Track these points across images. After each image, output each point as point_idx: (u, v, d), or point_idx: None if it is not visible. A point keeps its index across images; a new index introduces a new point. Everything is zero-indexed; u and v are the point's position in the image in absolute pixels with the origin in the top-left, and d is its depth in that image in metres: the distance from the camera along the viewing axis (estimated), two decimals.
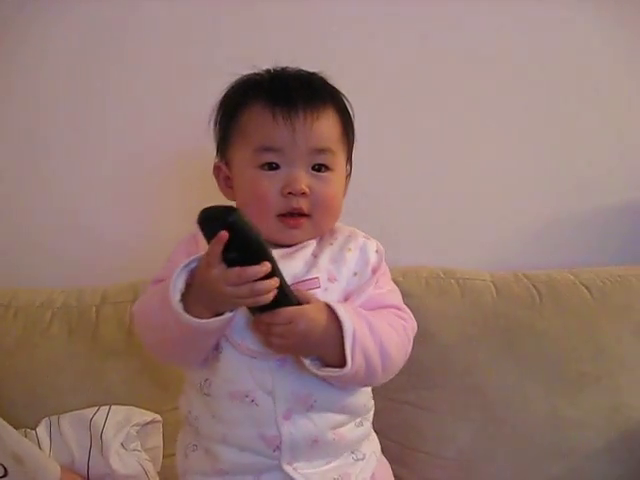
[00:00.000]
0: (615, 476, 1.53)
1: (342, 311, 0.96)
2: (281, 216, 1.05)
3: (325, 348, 0.96)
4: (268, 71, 1.12)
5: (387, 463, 1.21)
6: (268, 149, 1.03)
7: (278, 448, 0.99)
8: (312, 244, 1.08)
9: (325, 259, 1.05)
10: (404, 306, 1.10)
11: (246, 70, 1.16)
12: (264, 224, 0.99)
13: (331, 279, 1.03)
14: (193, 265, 0.94)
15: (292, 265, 1.03)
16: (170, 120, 1.76)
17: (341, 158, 1.09)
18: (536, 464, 1.53)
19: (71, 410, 1.43)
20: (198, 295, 0.92)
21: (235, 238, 0.86)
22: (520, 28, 1.86)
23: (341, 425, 1.05)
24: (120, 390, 1.49)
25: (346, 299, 1.03)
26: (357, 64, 1.78)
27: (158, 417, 1.44)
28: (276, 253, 0.95)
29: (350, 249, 1.07)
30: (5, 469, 1.08)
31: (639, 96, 1.92)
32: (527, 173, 1.90)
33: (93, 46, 1.76)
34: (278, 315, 0.92)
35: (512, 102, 1.88)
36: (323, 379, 0.99)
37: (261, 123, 1.04)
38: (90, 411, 1.39)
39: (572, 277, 1.67)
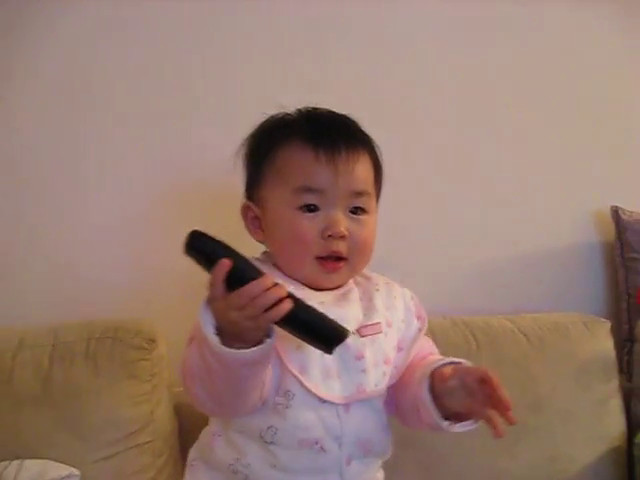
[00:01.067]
0: None
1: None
2: (320, 259, 1.04)
3: None
4: (300, 111, 1.11)
5: None
6: (309, 190, 1.02)
7: None
8: (354, 288, 1.09)
9: (381, 305, 1.07)
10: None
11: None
12: (302, 266, 1.03)
13: (388, 324, 1.06)
14: None
15: (352, 309, 1.05)
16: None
17: (375, 202, 1.11)
18: None
19: None
20: (227, 331, 0.89)
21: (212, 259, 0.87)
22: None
23: (377, 471, 1.08)
24: (34, 443, 1.38)
25: (399, 347, 1.07)
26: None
27: (76, 471, 1.34)
28: (330, 296, 1.04)
29: (396, 297, 1.11)
30: None
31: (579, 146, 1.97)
32: (466, 220, 1.90)
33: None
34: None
35: (451, 144, 1.90)
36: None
37: (302, 163, 1.03)
38: (1, 465, 1.29)
39: (510, 324, 1.67)
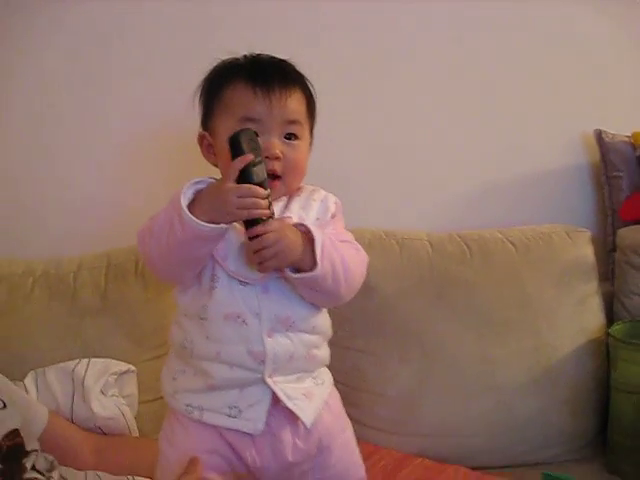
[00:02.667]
0: (538, 407, 1.75)
1: (313, 227, 1.16)
2: None
3: (301, 256, 1.14)
4: (245, 56, 1.29)
5: (338, 394, 1.36)
6: (249, 119, 1.20)
7: (262, 362, 1.16)
8: (283, 200, 1.24)
9: (295, 205, 1.23)
10: (357, 243, 1.27)
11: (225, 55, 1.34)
12: None
13: (300, 220, 1.19)
14: (199, 186, 1.15)
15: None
16: (151, 101, 1.93)
17: (307, 130, 1.26)
18: (469, 398, 1.74)
19: (54, 364, 1.60)
20: (203, 206, 1.11)
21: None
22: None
23: (312, 346, 1.23)
24: (97, 346, 1.65)
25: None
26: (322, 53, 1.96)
27: (133, 367, 1.61)
28: None
29: (314, 199, 1.25)
30: (4, 403, 1.23)
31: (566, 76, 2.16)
32: (460, 144, 2.11)
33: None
34: (270, 225, 1.11)
35: (449, 80, 2.10)
36: (301, 296, 1.19)
37: (243, 98, 1.22)
38: (72, 363, 1.56)
39: (500, 235, 1.88)
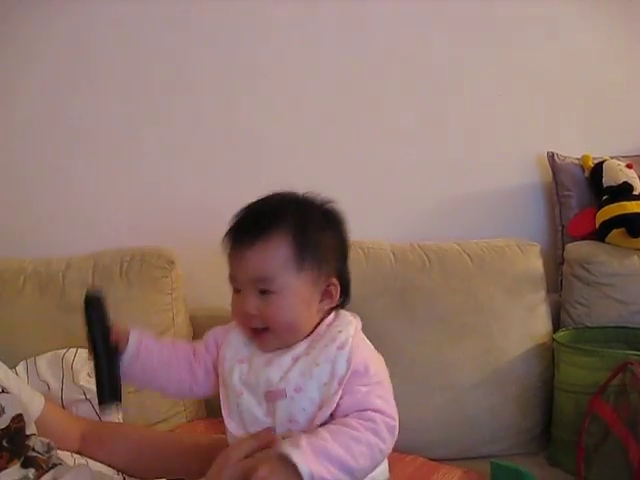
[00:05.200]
0: (488, 404, 1.90)
1: (298, 457, 0.96)
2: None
3: None
4: (248, 205, 1.16)
5: None
6: (231, 277, 1.12)
7: None
8: (301, 345, 1.10)
9: (296, 372, 1.07)
10: (378, 403, 1.04)
11: None
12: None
13: (297, 390, 1.06)
14: None
15: (268, 371, 1.09)
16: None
17: (293, 278, 1.08)
18: (426, 396, 1.89)
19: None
20: None
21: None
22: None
23: None
24: (84, 340, 1.75)
25: (320, 407, 1.06)
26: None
27: None
28: (261, 359, 1.10)
29: (318, 364, 1.07)
30: (2, 388, 1.29)
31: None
32: (425, 161, 2.29)
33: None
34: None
35: (413, 100, 2.29)
36: None
37: (227, 258, 1.15)
38: (61, 351, 1.69)
39: (457, 247, 2.04)
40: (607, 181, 2.20)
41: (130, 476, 1.37)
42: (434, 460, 1.77)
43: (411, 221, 2.27)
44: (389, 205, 2.24)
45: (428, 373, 1.90)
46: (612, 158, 2.27)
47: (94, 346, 1.12)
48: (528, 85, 2.35)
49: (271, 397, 1.07)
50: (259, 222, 1.10)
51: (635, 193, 2.18)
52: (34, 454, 1.23)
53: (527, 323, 1.99)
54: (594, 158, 2.28)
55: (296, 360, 1.08)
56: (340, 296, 1.14)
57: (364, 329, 1.78)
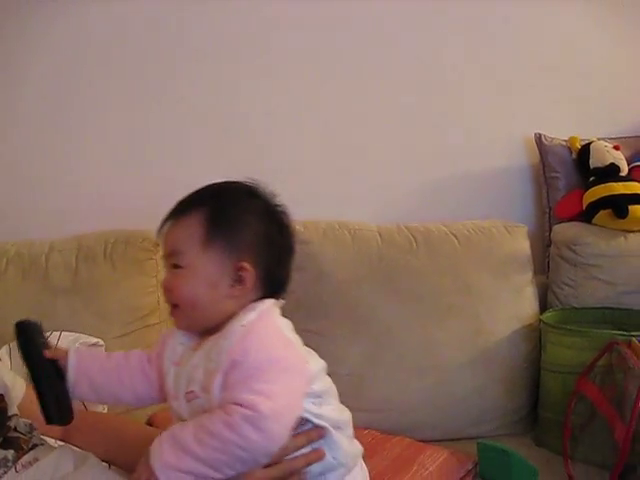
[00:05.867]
0: (475, 385, 1.90)
1: (154, 453, 0.99)
2: None
3: None
4: None
5: None
6: None
7: None
8: (210, 340, 1.08)
9: (200, 371, 1.06)
10: (241, 397, 0.97)
11: None
12: None
13: (204, 389, 1.04)
14: None
15: (187, 371, 1.08)
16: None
17: (199, 254, 1.09)
18: (413, 377, 1.88)
19: None
20: None
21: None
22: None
23: None
24: (68, 323, 1.74)
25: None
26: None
27: (101, 341, 1.72)
28: (188, 358, 1.08)
29: (211, 359, 1.04)
30: None
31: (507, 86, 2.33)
32: (411, 143, 2.28)
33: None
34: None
35: (399, 82, 2.28)
36: None
37: None
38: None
39: (444, 228, 2.03)
40: (594, 162, 2.20)
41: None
42: (421, 441, 1.76)
43: (398, 203, 2.26)
44: (376, 187, 2.23)
45: (415, 354, 1.89)
46: (599, 140, 2.26)
47: (32, 372, 1.12)
48: (515, 66, 2.35)
49: (189, 398, 1.06)
50: (182, 203, 1.13)
51: (622, 174, 2.19)
52: (16, 434, 1.22)
53: (514, 304, 1.99)
54: (581, 140, 2.28)
55: (202, 358, 1.06)
56: (263, 287, 1.10)
57: (351, 311, 1.80)
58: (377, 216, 2.10)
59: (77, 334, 1.70)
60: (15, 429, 1.23)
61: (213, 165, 2.13)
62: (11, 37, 2.03)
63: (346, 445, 1.12)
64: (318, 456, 1.08)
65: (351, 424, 1.15)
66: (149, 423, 1.72)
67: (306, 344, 1.85)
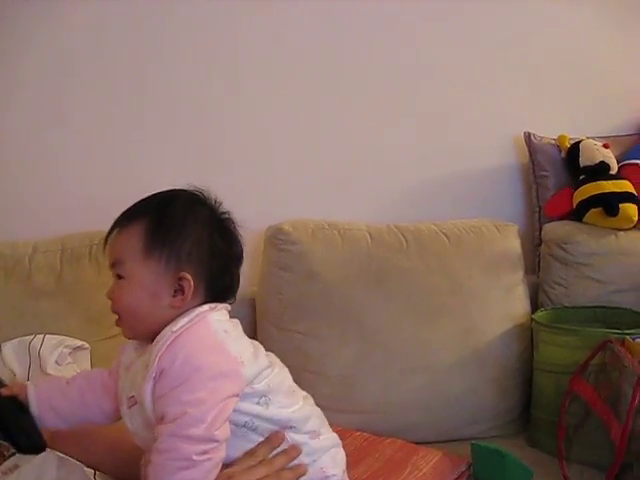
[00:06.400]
0: (466, 387, 1.88)
1: None
2: None
3: None
4: None
5: None
6: None
7: None
8: (149, 350, 1.08)
9: (139, 376, 1.07)
10: (169, 412, 1.02)
11: None
12: None
13: (141, 395, 1.05)
14: None
15: (130, 377, 1.11)
16: None
17: (140, 265, 1.09)
18: (403, 377, 1.85)
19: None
20: None
21: None
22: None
23: None
24: (53, 326, 1.70)
25: None
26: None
27: (86, 344, 1.68)
28: (135, 364, 1.10)
29: (147, 365, 1.05)
30: None
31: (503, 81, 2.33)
32: (400, 143, 2.25)
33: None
34: None
35: (388, 81, 2.25)
36: None
37: None
38: (28, 338, 1.62)
39: (434, 227, 2.01)
40: (584, 161, 2.19)
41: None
42: (413, 443, 1.73)
43: (387, 203, 2.24)
44: (365, 187, 2.20)
45: (406, 354, 1.87)
46: (588, 138, 2.25)
47: None
48: (504, 65, 2.34)
49: (130, 404, 1.09)
50: (126, 213, 1.15)
51: (612, 173, 2.17)
52: None
53: (505, 303, 1.97)
54: (570, 138, 2.26)
55: (142, 364, 1.08)
56: (206, 295, 1.11)
57: (341, 310, 1.77)
58: (367, 216, 2.07)
59: (61, 337, 1.66)
60: None
61: (200, 165, 2.11)
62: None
63: (308, 445, 1.13)
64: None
65: (313, 419, 1.16)
66: None
67: (295, 345, 1.86)
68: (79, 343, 1.67)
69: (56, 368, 1.57)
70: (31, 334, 1.66)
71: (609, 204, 2.05)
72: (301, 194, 2.08)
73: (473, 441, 1.66)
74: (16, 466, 1.13)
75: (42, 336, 1.63)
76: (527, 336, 1.96)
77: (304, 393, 1.20)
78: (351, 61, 2.21)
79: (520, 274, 2.02)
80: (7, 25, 1.97)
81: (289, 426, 1.11)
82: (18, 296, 1.75)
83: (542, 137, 2.30)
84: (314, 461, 1.13)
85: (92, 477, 1.30)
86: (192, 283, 1.09)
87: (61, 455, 1.21)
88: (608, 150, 2.21)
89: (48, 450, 1.22)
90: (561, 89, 2.37)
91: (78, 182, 2.04)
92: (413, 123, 2.26)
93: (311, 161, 2.17)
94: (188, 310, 1.09)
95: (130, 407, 1.09)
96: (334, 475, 1.15)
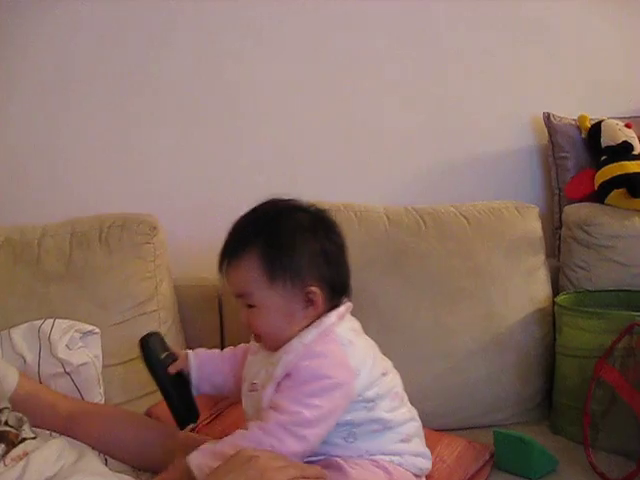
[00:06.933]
0: (487, 373, 1.83)
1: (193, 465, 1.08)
2: None
3: None
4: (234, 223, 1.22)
5: None
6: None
7: None
8: (278, 355, 1.15)
9: (263, 370, 1.16)
10: (282, 404, 1.09)
11: None
12: None
13: (262, 386, 1.14)
14: None
15: (255, 366, 1.20)
16: None
17: (267, 292, 1.14)
18: (423, 364, 1.80)
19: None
20: None
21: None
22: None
23: None
24: (62, 311, 1.66)
25: None
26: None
27: (97, 329, 1.63)
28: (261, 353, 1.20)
29: (272, 363, 1.14)
30: None
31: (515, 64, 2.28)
32: (417, 125, 2.21)
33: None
34: None
35: (406, 63, 2.23)
36: None
37: None
38: (38, 322, 1.57)
39: (453, 209, 1.96)
40: (606, 141, 2.14)
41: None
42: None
43: (405, 186, 2.20)
44: (382, 170, 2.17)
45: (424, 340, 1.82)
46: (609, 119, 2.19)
47: (160, 387, 1.24)
48: (523, 45, 2.30)
49: (251, 389, 1.17)
50: (233, 245, 1.18)
51: (635, 153, 2.11)
52: (7, 428, 1.16)
53: (526, 287, 1.91)
54: (591, 119, 2.21)
55: (268, 358, 1.17)
56: (329, 299, 1.17)
57: (358, 295, 1.71)
58: (384, 199, 2.02)
59: (71, 321, 1.62)
60: (6, 423, 1.19)
61: (209, 150, 2.09)
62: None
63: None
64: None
65: (411, 425, 1.24)
66: (148, 414, 1.66)
67: None
68: (89, 328, 1.62)
69: (67, 352, 1.52)
70: (40, 318, 1.62)
71: (633, 185, 1.99)
72: (317, 176, 2.05)
73: (496, 429, 1.61)
74: (25, 453, 1.09)
75: (52, 320, 1.59)
76: (549, 321, 1.90)
77: (409, 405, 1.27)
78: (367, 43, 2.18)
79: (541, 257, 1.97)
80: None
81: (388, 427, 1.18)
82: (27, 281, 1.71)
83: (562, 117, 2.24)
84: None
85: (104, 463, 1.26)
86: (320, 293, 1.15)
87: (71, 440, 1.17)
88: (631, 130, 2.15)
89: (57, 436, 1.19)
90: (580, 70, 2.33)
91: (87, 166, 2.02)
92: (431, 105, 2.22)
93: (327, 143, 2.13)
94: (317, 320, 1.16)
95: (251, 392, 1.18)
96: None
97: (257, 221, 1.18)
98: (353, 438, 1.16)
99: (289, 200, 1.20)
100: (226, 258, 1.17)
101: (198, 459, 1.07)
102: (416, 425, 1.25)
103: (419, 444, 1.24)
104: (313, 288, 1.14)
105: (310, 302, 1.15)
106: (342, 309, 1.19)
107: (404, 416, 1.22)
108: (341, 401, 1.11)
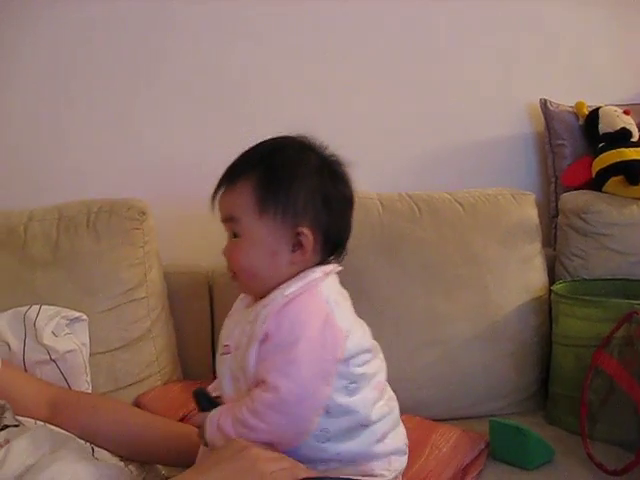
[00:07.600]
0: (482, 361, 1.80)
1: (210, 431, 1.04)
2: None
3: None
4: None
5: None
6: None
7: None
8: (256, 305, 1.08)
9: (238, 329, 1.08)
10: (268, 377, 1.00)
11: None
12: None
13: (236, 347, 1.06)
14: None
15: (229, 327, 1.12)
16: None
17: (255, 222, 1.07)
18: (416, 352, 1.78)
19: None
20: None
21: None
22: None
23: None
24: (49, 297, 1.62)
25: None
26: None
27: (84, 316, 1.59)
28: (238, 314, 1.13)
29: (250, 322, 1.06)
30: None
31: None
32: (413, 110, 2.17)
33: None
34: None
35: (401, 50, 2.19)
36: None
37: None
38: (23, 308, 1.53)
39: (448, 196, 1.92)
40: (603, 128, 2.11)
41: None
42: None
43: (399, 172, 2.16)
44: (377, 155, 2.10)
45: (419, 328, 1.79)
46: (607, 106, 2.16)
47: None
48: (518, 31, 2.26)
49: (222, 352, 1.09)
50: (232, 168, 1.11)
51: (633, 140, 2.08)
52: None
53: (522, 275, 1.89)
54: (588, 106, 2.17)
55: (245, 317, 1.08)
56: (324, 248, 1.09)
57: (351, 282, 1.67)
58: (378, 185, 1.97)
59: (58, 308, 1.57)
60: None
61: (197, 133, 2.07)
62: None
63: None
64: None
65: (386, 420, 1.12)
66: (136, 403, 1.62)
67: None
68: (77, 314, 1.58)
69: (53, 339, 1.48)
70: (26, 305, 1.58)
71: (631, 172, 1.96)
72: None
73: (492, 418, 1.58)
74: (6, 441, 1.05)
75: (38, 307, 1.54)
76: (545, 309, 1.88)
77: (391, 393, 1.18)
78: (362, 30, 2.14)
79: (537, 245, 1.94)
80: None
81: (364, 424, 1.07)
82: (12, 267, 1.67)
83: (559, 104, 2.21)
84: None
85: (91, 453, 1.22)
86: (311, 238, 1.06)
87: (52, 427, 1.14)
88: (629, 117, 2.12)
89: (39, 423, 1.16)
90: (579, 55, 2.29)
91: (76, 149, 1.99)
92: (427, 90, 2.19)
93: (322, 129, 2.07)
94: (301, 273, 1.07)
95: (222, 355, 1.09)
96: (382, 476, 1.10)
97: (262, 151, 1.12)
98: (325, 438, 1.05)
99: (305, 138, 1.14)
100: (224, 184, 1.10)
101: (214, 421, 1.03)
102: (393, 418, 1.15)
103: (394, 439, 1.14)
104: (304, 229, 1.06)
105: (299, 245, 1.07)
106: (329, 267, 1.10)
107: (382, 410, 1.11)
108: (329, 369, 1.02)
